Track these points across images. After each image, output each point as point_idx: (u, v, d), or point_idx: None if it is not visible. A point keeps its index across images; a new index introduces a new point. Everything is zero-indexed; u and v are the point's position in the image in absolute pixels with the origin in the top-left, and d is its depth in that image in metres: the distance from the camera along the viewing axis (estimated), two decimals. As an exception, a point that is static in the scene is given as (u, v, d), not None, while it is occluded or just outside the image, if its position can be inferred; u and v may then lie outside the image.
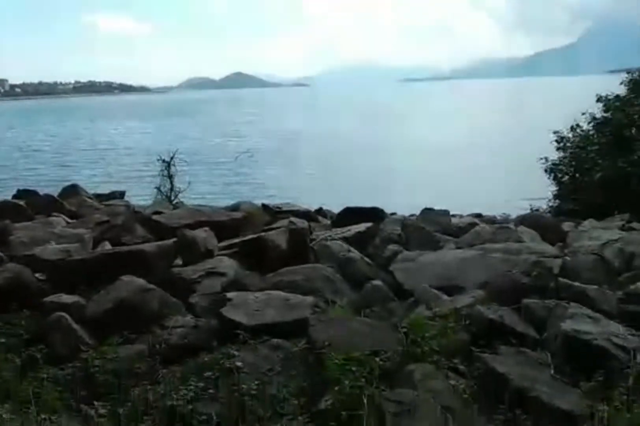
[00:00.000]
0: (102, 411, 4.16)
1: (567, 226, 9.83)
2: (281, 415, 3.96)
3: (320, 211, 12.73)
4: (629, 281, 6.26)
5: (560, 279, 5.93)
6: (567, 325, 4.66)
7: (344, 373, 3.95)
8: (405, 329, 4.72)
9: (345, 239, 8.02)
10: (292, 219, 8.89)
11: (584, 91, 22.49)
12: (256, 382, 4.24)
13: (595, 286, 5.81)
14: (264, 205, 11.78)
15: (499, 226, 8.89)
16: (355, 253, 7.50)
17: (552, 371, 4.37)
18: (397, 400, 3.71)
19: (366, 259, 7.48)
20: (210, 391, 4.20)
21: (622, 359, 4.34)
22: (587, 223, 10.17)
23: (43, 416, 4.08)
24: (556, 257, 7.13)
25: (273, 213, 10.95)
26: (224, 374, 4.37)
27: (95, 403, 4.23)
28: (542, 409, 3.90)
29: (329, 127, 53.52)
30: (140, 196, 17.56)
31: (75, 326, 5.45)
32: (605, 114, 15.06)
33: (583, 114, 15.27)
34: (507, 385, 4.09)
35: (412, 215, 11.02)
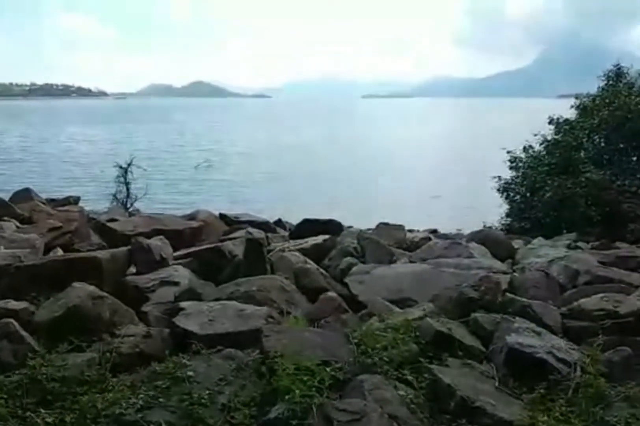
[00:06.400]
0: (48, 419, 4.09)
1: (516, 243, 10.17)
2: (232, 424, 3.98)
3: (278, 222, 12.82)
4: (573, 297, 6.51)
5: (508, 294, 6.12)
6: (512, 338, 4.82)
7: (295, 382, 3.99)
8: (356, 340, 4.80)
9: (302, 251, 8.10)
10: (250, 229, 8.94)
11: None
12: (207, 391, 4.25)
13: (541, 302, 6.02)
14: (221, 214, 11.79)
15: (452, 242, 9.12)
16: (311, 265, 7.57)
17: (496, 383, 4.52)
18: (345, 409, 3.78)
19: (322, 270, 7.56)
20: (161, 399, 4.18)
21: (563, 372, 4.52)
22: (536, 241, 10.54)
23: (-13, 424, 4.00)
24: (505, 273, 7.37)
25: (230, 223, 10.98)
26: (175, 383, 4.36)
27: (42, 410, 4.15)
28: (486, 419, 4.03)
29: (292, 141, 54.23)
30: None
31: (23, 333, 5.32)
32: (556, 136, 15.73)
33: (535, 135, 15.95)
34: (453, 396, 4.21)
35: (368, 229, 11.21)
